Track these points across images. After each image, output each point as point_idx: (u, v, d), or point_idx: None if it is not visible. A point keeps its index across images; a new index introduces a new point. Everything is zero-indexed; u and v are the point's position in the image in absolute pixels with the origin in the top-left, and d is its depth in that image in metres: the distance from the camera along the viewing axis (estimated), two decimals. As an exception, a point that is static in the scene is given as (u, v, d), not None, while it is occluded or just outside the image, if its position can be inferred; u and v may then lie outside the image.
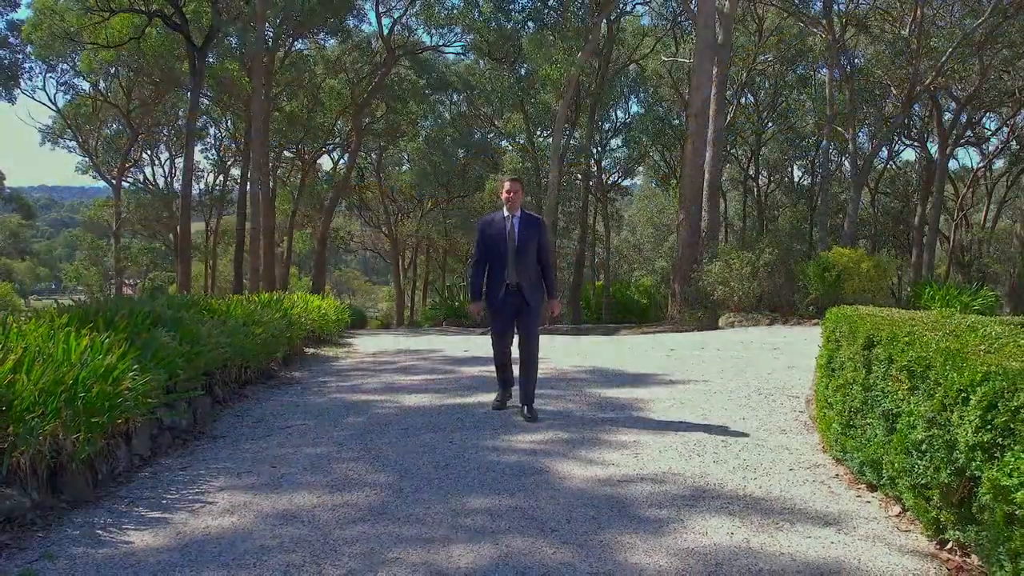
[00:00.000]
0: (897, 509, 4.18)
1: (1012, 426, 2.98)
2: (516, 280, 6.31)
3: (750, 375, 8.48)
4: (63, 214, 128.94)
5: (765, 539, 3.86)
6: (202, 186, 42.05)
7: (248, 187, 26.02)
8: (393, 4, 31.37)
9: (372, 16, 36.87)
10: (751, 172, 40.36)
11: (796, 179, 44.15)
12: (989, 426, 3.12)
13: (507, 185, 6.51)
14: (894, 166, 42.14)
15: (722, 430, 6.01)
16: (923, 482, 3.70)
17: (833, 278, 13.74)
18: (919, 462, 3.71)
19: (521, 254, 6.33)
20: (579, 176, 34.85)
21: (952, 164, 41.58)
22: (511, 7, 26.37)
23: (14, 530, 4.16)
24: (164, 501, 4.67)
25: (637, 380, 8.33)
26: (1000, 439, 3.05)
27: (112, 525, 4.28)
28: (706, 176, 19.35)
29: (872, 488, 4.51)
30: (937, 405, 3.53)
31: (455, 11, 28.77)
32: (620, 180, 41.60)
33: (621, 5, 29.29)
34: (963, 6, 28.52)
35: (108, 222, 38.86)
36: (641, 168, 41.65)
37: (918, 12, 25.72)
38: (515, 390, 6.81)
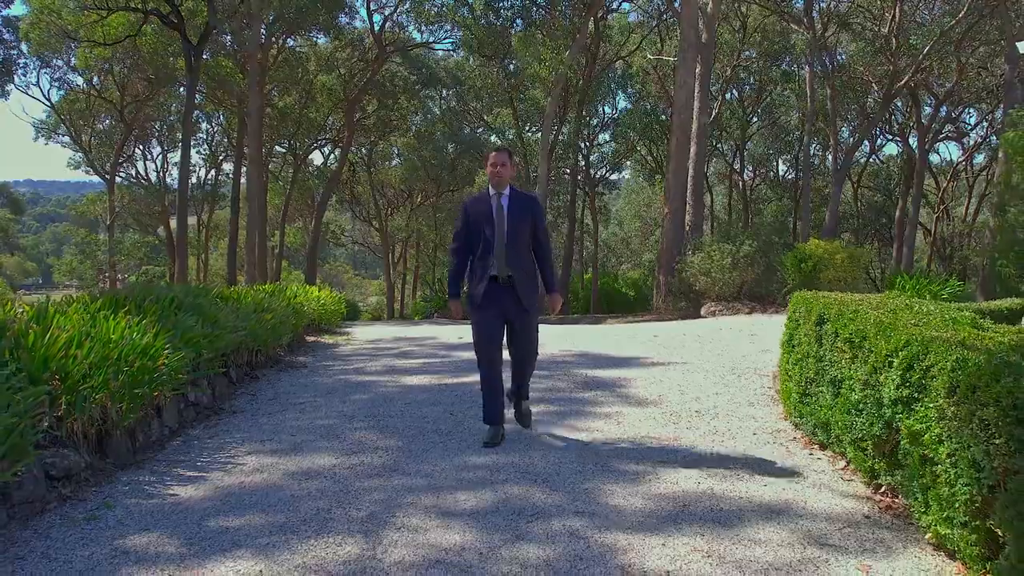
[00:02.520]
0: (843, 463, 4.82)
1: (924, 382, 3.61)
2: (507, 272, 5.21)
3: (726, 357, 9.12)
4: (49, 209, 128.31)
5: (727, 487, 4.49)
6: (194, 180, 42.34)
7: (244, 182, 26.51)
8: (384, 1, 31.84)
9: (363, 13, 37.87)
10: (736, 166, 41.15)
11: (781, 173, 45.04)
12: (907, 383, 3.75)
13: (492, 157, 5.38)
14: (877, 160, 43.03)
15: (696, 401, 6.65)
16: (860, 436, 4.33)
17: (809, 268, 14.42)
18: (857, 419, 4.35)
19: (512, 240, 5.24)
20: (567, 171, 35.48)
21: (935, 158, 42.59)
22: (500, 4, 26.97)
23: (72, 485, 4.73)
24: (199, 463, 5.26)
25: (621, 362, 8.95)
26: (915, 393, 3.69)
27: (156, 482, 4.87)
28: (690, 171, 19.98)
29: (823, 447, 5.16)
30: (870, 369, 4.16)
31: (445, 8, 29.34)
32: (608, 174, 42.28)
33: (608, 3, 29.85)
34: (943, 4, 29.31)
35: (101, 216, 39.19)
36: (629, 163, 42.36)
37: (897, 11, 26.44)
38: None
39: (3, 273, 79.95)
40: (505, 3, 26.75)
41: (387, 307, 43.07)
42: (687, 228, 19.33)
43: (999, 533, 3.05)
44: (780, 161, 44.32)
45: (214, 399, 7.15)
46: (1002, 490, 2.95)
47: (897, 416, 3.84)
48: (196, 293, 8.05)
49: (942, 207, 40.32)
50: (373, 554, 3.65)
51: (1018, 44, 9.34)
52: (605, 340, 11.38)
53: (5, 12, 48.03)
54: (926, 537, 3.68)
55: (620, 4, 32.21)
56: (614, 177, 45.53)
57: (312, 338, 12.41)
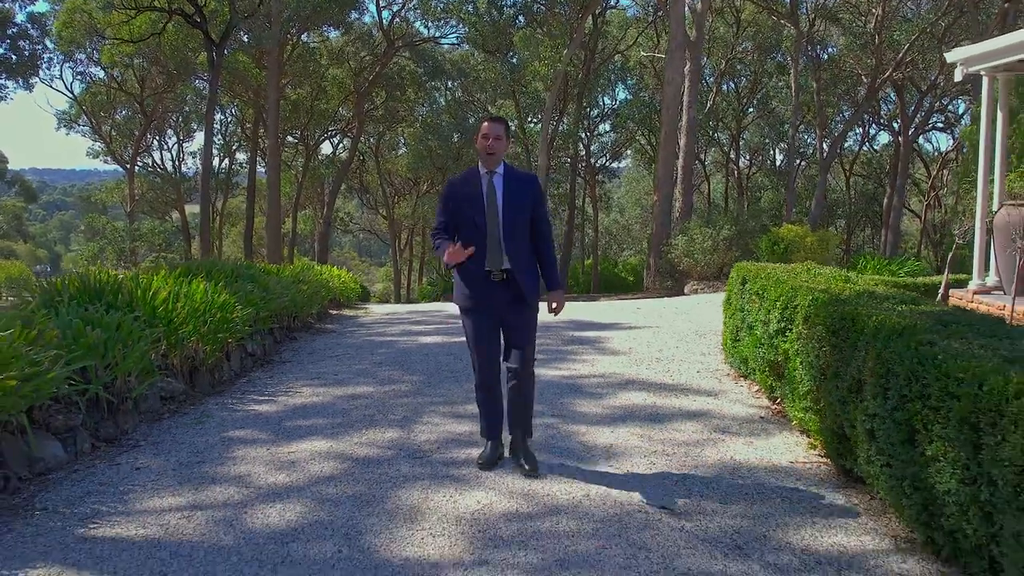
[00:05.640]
0: (756, 388, 6.38)
1: (792, 316, 5.16)
2: (502, 266, 4.44)
3: (694, 323, 10.66)
4: (55, 197, 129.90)
5: (665, 401, 6.06)
6: (208, 169, 43.85)
7: (265, 171, 28.01)
8: (393, -2, 33.28)
9: (373, 9, 38.99)
10: (732, 156, 42.58)
11: (778, 162, 46.44)
12: (784, 318, 5.30)
13: (485, 127, 4.49)
14: (872, 149, 44.41)
15: (659, 352, 8.20)
16: (762, 363, 5.89)
17: (781, 250, 15.93)
18: (760, 350, 5.90)
19: (508, 228, 4.43)
20: (568, 159, 36.94)
21: (928, 148, 44.04)
22: (503, 2, 28.43)
23: (175, 404, 6.30)
24: (266, 392, 6.83)
25: (604, 326, 10.50)
26: (787, 325, 5.24)
27: (238, 403, 6.44)
28: (680, 161, 21.48)
29: (745, 377, 6.72)
30: (765, 311, 5.72)
31: (450, 4, 30.78)
32: (608, 163, 43.72)
33: (605, 1, 31.21)
34: (929, 0, 30.67)
35: (123, 203, 40.84)
36: (629, 152, 43.80)
37: (881, 9, 27.79)
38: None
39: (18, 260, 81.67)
40: (507, 1, 28.20)
41: (394, 292, 44.68)
42: (677, 214, 20.84)
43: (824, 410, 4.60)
44: (776, 150, 45.81)
45: (265, 352, 8.73)
46: (824, 380, 4.50)
47: (778, 342, 5.39)
48: (247, 266, 9.61)
49: (932, 194, 41.71)
50: (408, 436, 5.24)
51: (946, 55, 10.77)
52: (594, 311, 12.93)
53: (30, 8, 49.52)
54: (793, 424, 5.25)
55: (617, 1, 33.57)
56: (615, 166, 47.01)
57: (335, 311, 13.98)
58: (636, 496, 4.15)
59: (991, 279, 9.93)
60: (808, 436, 5.02)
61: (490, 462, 4.65)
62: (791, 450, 4.89)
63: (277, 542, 3.65)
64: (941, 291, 9.92)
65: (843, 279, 5.89)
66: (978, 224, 10.16)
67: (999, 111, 10.22)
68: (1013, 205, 9.06)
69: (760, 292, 6.01)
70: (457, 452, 4.89)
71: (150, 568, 3.41)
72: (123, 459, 4.95)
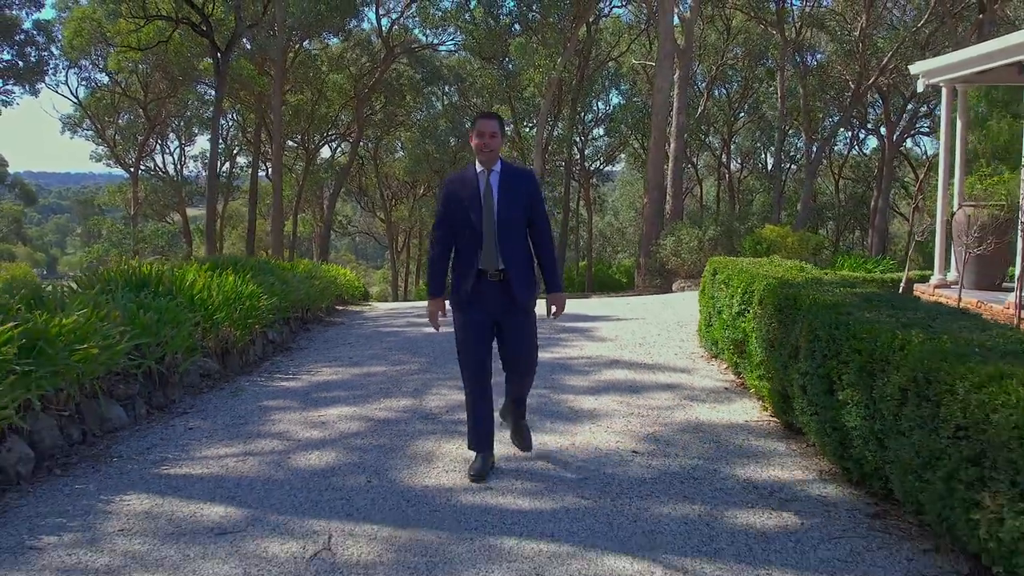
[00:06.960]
0: (725, 366, 7.23)
1: (751, 299, 6.01)
2: (498, 266, 4.39)
3: (678, 315, 11.50)
4: (51, 200, 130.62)
5: (643, 377, 6.91)
6: (208, 173, 44.63)
7: (267, 175, 28.78)
8: (391, 6, 34.19)
9: (372, 16, 40.06)
10: (724, 159, 43.52)
11: (769, 166, 47.42)
12: (744, 302, 6.15)
13: (480, 124, 4.39)
14: (860, 153, 45.40)
15: (642, 339, 9.05)
16: (729, 343, 6.73)
17: (764, 250, 16.76)
18: (727, 332, 6.75)
19: (504, 227, 4.38)
20: (562, 163, 37.85)
21: (917, 151, 45.11)
22: (499, 11, 29.35)
23: (211, 381, 7.13)
24: (290, 372, 7.67)
25: (593, 318, 11.33)
26: (747, 307, 6.09)
27: (267, 380, 7.27)
28: (671, 165, 22.37)
29: (716, 357, 7.58)
30: (730, 297, 6.57)
31: (448, 12, 31.71)
32: (602, 167, 44.65)
33: (600, 11, 32.13)
34: (912, 7, 31.64)
35: (125, 206, 41.66)
36: (623, 155, 44.73)
37: (864, 18, 28.72)
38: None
39: (17, 263, 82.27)
40: (503, 9, 29.13)
41: (391, 293, 45.53)
42: (666, 216, 21.71)
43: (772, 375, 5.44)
44: (767, 154, 46.78)
45: (283, 340, 9.55)
46: (772, 350, 5.35)
47: (740, 323, 6.24)
48: (266, 261, 10.44)
49: (920, 197, 42.62)
50: (420, 404, 6.09)
51: (910, 67, 11.65)
52: (585, 306, 13.77)
53: (36, 16, 50.29)
54: (751, 392, 6.11)
55: (611, 10, 34.49)
56: (609, 169, 47.98)
57: (341, 307, 14.79)
58: (613, 444, 5.00)
59: (951, 274, 10.81)
60: (762, 401, 5.87)
61: (480, 474, 4.44)
62: (747, 412, 5.74)
63: (320, 476, 4.49)
64: (902, 285, 10.79)
65: (798, 269, 6.74)
66: (938, 223, 11.04)
67: (958, 119, 11.13)
68: (963, 207, 9.94)
69: (727, 281, 6.87)
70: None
71: (220, 494, 4.24)
72: (176, 422, 5.78)
